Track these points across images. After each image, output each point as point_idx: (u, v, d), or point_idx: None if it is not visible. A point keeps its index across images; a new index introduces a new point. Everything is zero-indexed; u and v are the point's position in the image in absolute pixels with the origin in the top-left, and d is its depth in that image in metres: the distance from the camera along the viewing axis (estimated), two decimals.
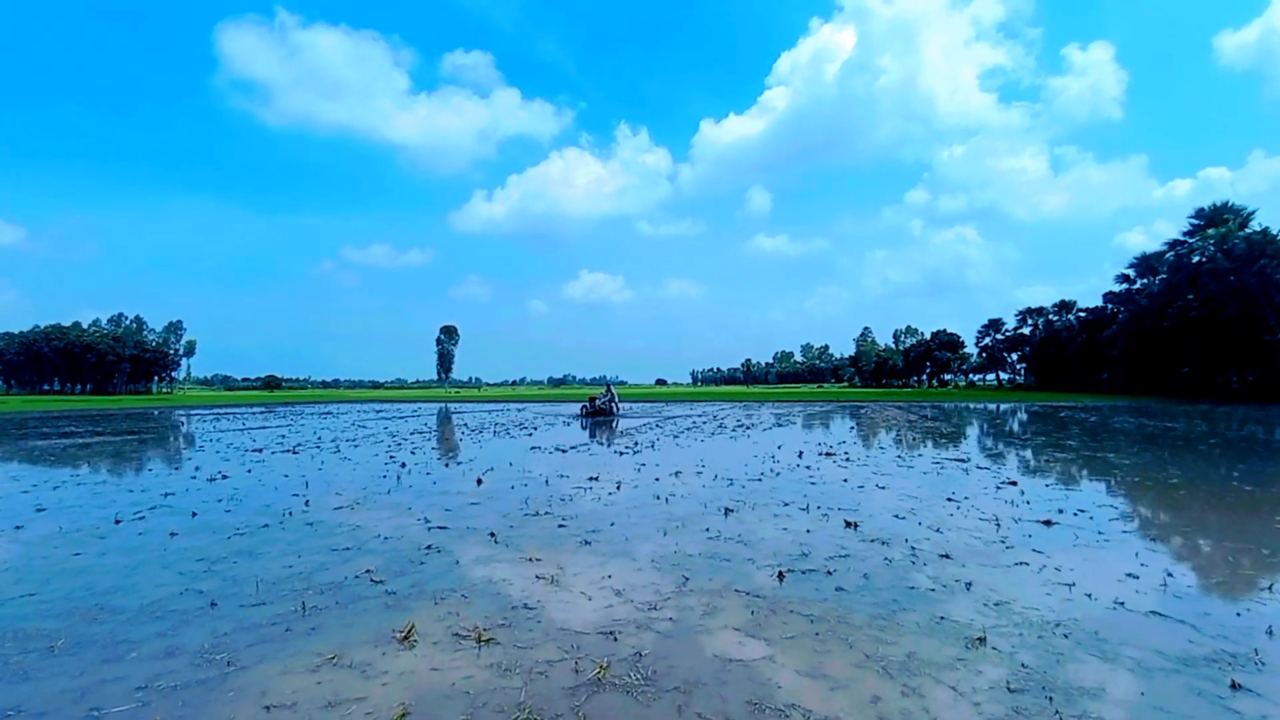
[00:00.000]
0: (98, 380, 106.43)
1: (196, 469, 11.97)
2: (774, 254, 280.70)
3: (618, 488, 9.51)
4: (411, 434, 20.02)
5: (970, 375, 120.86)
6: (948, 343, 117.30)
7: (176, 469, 12.12)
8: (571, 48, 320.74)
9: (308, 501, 8.40)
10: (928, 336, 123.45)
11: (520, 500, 8.51)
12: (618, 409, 31.97)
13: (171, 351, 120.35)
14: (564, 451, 14.86)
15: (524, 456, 13.91)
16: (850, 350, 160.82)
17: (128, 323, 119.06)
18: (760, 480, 10.25)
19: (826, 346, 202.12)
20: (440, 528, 6.91)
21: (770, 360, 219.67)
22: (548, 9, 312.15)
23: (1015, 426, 23.62)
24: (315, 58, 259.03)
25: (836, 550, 5.97)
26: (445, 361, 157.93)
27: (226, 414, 36.32)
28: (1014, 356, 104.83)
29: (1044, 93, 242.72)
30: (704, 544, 6.21)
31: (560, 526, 7.00)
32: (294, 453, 14.68)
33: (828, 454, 13.94)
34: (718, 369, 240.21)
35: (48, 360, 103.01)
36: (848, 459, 13.14)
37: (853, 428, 22.99)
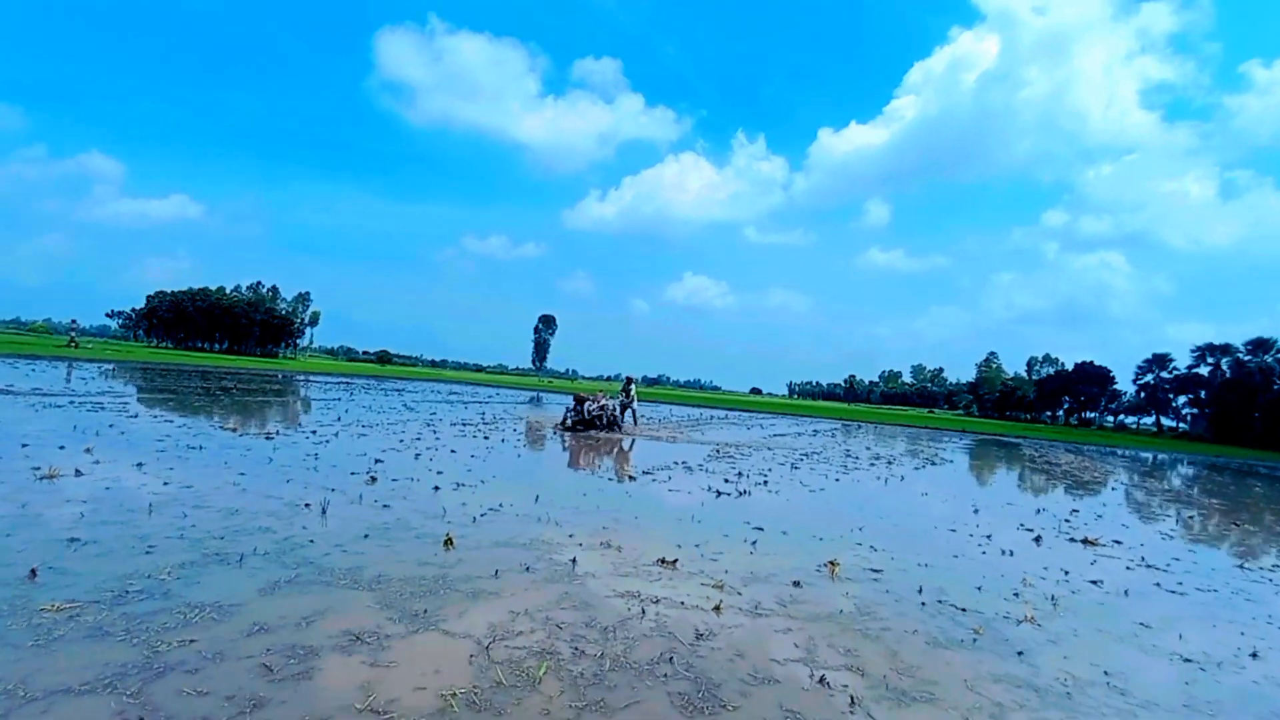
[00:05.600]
0: (233, 340, 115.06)
1: (140, 462, 8.03)
2: (887, 269, 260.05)
3: (717, 610, 4.28)
4: (452, 425, 15.79)
5: (1120, 417, 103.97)
6: (1094, 376, 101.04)
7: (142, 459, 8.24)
8: (694, 53, 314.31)
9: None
10: (1069, 368, 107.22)
11: (485, 638, 3.51)
12: (635, 419, 19.31)
13: (297, 320, 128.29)
14: (633, 479, 9.79)
15: (563, 484, 9.00)
16: (968, 376, 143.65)
17: (265, 290, 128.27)
18: (1037, 625, 4.61)
19: (941, 369, 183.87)
20: None
21: (875, 379, 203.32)
22: (673, 13, 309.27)
23: None
24: (458, 61, 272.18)
25: None
26: (541, 350, 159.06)
27: (318, 382, 34.63)
28: (1180, 400, 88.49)
29: (1218, 112, 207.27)
30: None
31: None
32: (269, 438, 10.65)
33: (1089, 542, 7.90)
34: (816, 383, 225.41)
35: (191, 319, 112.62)
36: (1143, 561, 7.09)
37: (1046, 478, 16.22)
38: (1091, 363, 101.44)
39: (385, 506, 6.39)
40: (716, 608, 4.29)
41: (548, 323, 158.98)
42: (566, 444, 14.06)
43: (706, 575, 5.05)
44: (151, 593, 3.70)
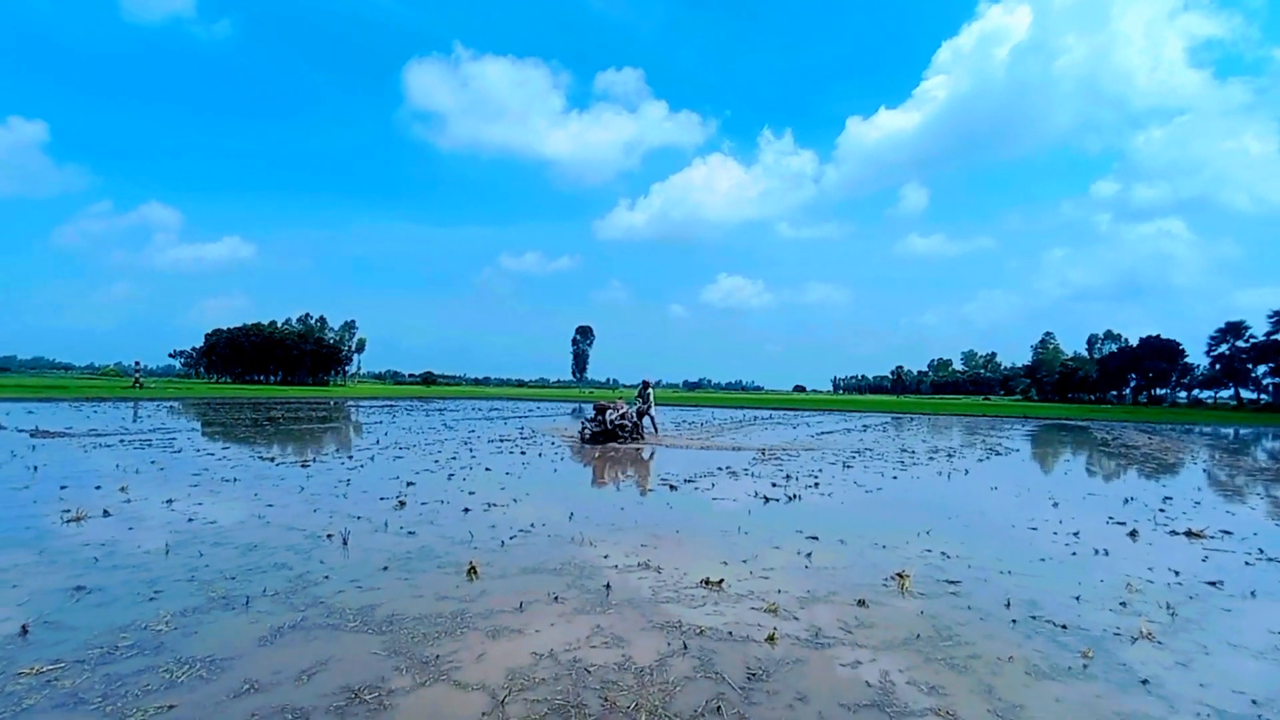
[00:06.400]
0: (286, 370, 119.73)
1: (171, 503, 8.01)
2: (928, 254, 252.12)
3: (770, 640, 3.72)
4: (489, 442, 15.58)
5: (1194, 392, 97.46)
6: (1163, 350, 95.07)
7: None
8: (714, 56, 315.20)
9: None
10: (1133, 344, 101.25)
11: (501, 689, 3.05)
12: (655, 426, 18.06)
13: (345, 348, 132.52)
14: (673, 489, 9.27)
15: (600, 499, 8.55)
16: (1023, 359, 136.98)
17: (313, 321, 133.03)
18: (1157, 643, 3.89)
19: (994, 354, 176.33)
20: None
21: (924, 369, 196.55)
22: (690, 18, 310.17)
23: None
24: (484, 86, 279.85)
25: None
26: (580, 361, 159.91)
27: (364, 407, 35.34)
28: (1260, 370, 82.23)
29: (1271, 65, 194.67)
30: None
31: None
32: (304, 465, 10.56)
33: (1193, 534, 6.98)
34: (862, 376, 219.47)
35: (247, 354, 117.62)
36: (1262, 554, 6.17)
37: (1125, 463, 14.92)
38: (1158, 336, 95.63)
39: (410, 533, 6.05)
40: (770, 638, 3.73)
41: (585, 334, 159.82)
42: (602, 457, 13.63)
43: (757, 596, 4.49)
44: (142, 647, 3.38)
